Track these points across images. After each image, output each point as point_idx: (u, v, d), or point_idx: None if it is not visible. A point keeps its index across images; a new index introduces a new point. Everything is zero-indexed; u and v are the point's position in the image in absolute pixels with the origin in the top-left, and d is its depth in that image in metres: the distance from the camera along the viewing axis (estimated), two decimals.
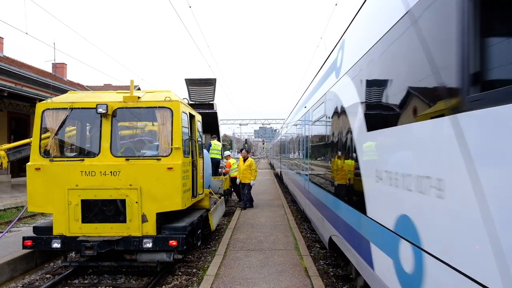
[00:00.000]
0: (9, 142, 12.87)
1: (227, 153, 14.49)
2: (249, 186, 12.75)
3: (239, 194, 13.52)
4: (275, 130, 56.02)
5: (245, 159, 12.84)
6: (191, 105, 9.06)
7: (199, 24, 17.74)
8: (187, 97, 11.62)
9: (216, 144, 12.37)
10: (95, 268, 6.78)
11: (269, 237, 8.57)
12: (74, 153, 7.11)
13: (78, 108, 6.28)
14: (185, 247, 6.08)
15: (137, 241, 5.86)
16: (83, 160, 6.14)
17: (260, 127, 67.11)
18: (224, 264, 6.63)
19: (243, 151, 13.63)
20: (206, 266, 6.94)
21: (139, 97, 6.32)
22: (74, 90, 10.11)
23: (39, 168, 6.05)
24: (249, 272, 6.20)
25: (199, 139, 7.83)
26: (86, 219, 5.91)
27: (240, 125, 60.86)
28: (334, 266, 7.00)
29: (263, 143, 78.23)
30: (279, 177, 26.18)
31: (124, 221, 5.91)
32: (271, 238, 8.52)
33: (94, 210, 5.91)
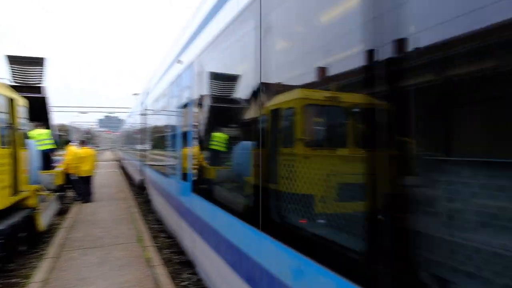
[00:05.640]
0: None
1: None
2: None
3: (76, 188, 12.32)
4: (122, 119, 52.38)
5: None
6: (14, 87, 7.73)
7: None
8: (9, 77, 9.80)
9: (40, 133, 10.09)
10: None
11: (110, 232, 8.10)
12: None
13: None
14: (4, 253, 5.20)
15: None
16: None
17: (105, 116, 61.62)
18: (57, 267, 5.95)
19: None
20: (32, 273, 6.08)
21: None
22: None
23: None
24: (86, 271, 5.75)
25: (22, 127, 6.74)
26: None
27: (80, 113, 54.52)
28: (179, 253, 7.15)
29: (109, 133, 72.30)
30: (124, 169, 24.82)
31: None
32: (113, 233, 8.08)
33: None
